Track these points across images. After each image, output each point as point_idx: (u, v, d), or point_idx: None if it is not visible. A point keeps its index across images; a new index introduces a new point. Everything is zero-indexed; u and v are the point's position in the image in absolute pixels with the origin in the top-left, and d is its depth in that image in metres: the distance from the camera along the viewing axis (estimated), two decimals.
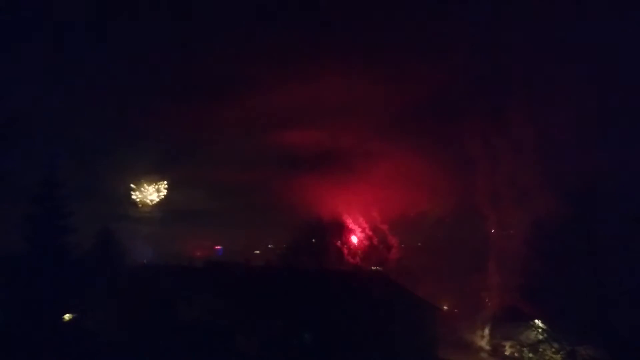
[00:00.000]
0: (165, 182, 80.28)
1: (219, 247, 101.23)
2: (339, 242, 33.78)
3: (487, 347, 54.98)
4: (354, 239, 35.65)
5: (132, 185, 78.87)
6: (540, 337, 27.19)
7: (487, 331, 59.55)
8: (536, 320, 28.00)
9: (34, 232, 30.70)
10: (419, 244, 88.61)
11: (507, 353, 47.27)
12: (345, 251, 33.54)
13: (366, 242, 36.22)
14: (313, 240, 34.10)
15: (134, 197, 77.87)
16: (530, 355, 27.65)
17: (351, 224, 51.19)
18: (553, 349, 26.12)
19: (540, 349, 26.80)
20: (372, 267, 34.23)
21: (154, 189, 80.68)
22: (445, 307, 60.86)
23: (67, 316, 33.97)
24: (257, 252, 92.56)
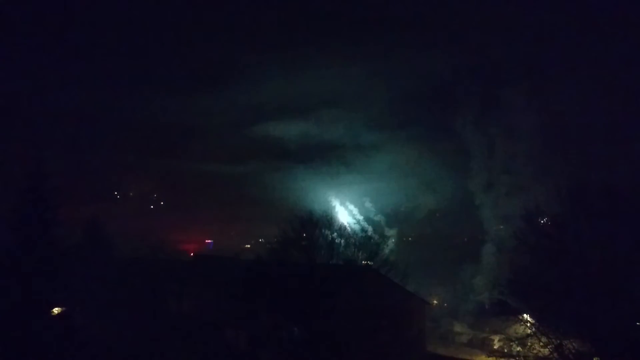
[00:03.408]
0: (156, 175, 79.97)
1: (209, 240, 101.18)
2: (329, 236, 33.67)
3: (474, 341, 55.60)
4: (345, 233, 35.60)
5: (122, 178, 78.44)
6: (529, 331, 27.38)
7: (475, 325, 60.20)
8: (524, 315, 28.21)
9: (21, 224, 30.34)
10: (410, 238, 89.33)
11: (495, 347, 47.77)
12: (336, 245, 33.51)
13: (357, 236, 36.18)
14: (304, 234, 33.93)
15: (123, 189, 77.47)
16: (519, 349, 27.85)
17: (342, 218, 51.12)
18: (541, 343, 26.33)
19: (529, 343, 27.01)
20: (363, 261, 34.19)
21: (145, 182, 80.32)
22: (434, 302, 61.39)
23: (55, 310, 33.73)
24: (248, 246, 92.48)
